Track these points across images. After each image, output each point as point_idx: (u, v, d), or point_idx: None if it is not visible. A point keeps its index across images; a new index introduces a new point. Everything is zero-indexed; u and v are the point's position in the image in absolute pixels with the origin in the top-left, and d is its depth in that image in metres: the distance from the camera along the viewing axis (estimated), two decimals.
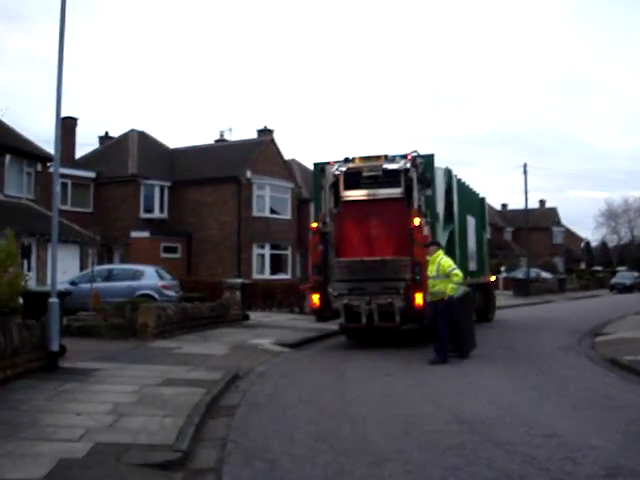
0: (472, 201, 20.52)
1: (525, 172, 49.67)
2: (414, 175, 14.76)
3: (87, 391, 9.08)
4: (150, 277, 22.08)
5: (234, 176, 35.25)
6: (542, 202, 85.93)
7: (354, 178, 15.72)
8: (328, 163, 15.56)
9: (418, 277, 14.09)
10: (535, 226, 68.55)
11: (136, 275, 22.21)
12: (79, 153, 39.50)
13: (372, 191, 15.44)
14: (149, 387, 9.48)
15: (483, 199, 22.81)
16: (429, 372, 11.73)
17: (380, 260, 14.67)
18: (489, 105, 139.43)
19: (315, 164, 16.12)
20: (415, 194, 14.70)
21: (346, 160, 15.39)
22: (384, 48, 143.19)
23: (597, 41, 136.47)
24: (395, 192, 15.25)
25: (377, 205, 15.40)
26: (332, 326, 17.76)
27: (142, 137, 39.22)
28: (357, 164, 15.40)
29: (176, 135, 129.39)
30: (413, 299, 13.94)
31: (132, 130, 39.59)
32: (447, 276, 12.59)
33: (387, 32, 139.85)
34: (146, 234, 34.29)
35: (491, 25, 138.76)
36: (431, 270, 12.78)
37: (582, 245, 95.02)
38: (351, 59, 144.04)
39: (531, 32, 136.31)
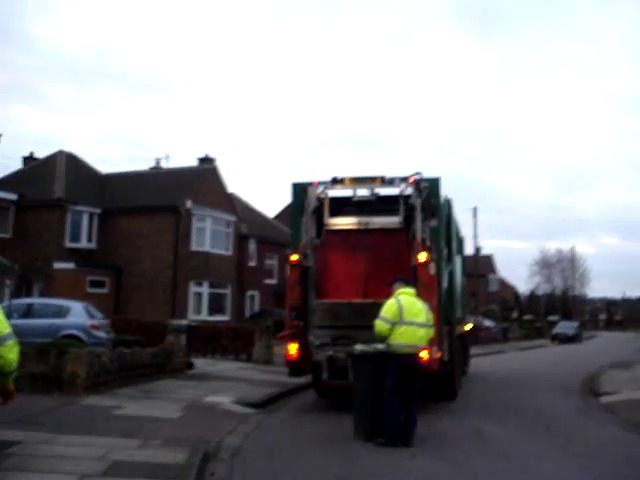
0: (459, 238, 18.11)
1: (475, 216, 48.08)
2: (417, 202, 12.17)
3: None
4: (77, 315, 18.76)
5: (173, 205, 32.21)
6: (477, 249, 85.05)
7: (342, 203, 13.08)
8: (311, 184, 12.85)
9: None
10: (472, 273, 67.18)
11: (61, 312, 18.86)
12: (0, 172, 35.81)
13: (364, 219, 12.79)
14: None
15: (463, 237, 20.45)
16: (459, 449, 9.02)
17: (372, 303, 11.81)
18: (407, 152, 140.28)
19: (294, 184, 13.39)
20: (418, 224, 12.09)
21: (334, 181, 12.70)
22: (318, 79, 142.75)
23: (512, 95, 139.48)
24: (393, 221, 12.64)
25: (369, 236, 12.73)
26: (293, 379, 14.92)
27: (71, 159, 35.80)
28: (347, 185, 12.73)
29: (108, 163, 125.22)
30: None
31: (60, 151, 36.15)
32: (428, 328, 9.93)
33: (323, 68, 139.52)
34: (71, 265, 30.80)
35: (411, 74, 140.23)
36: (417, 314, 9.73)
37: (513, 293, 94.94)
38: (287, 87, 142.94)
39: (448, 84, 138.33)
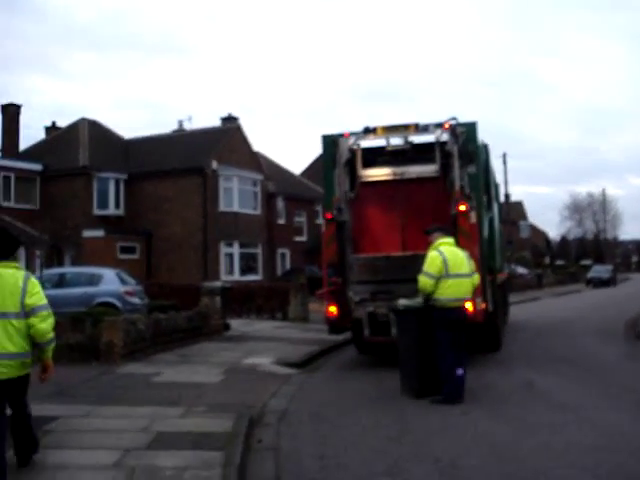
0: (495, 184, 17.54)
1: (504, 162, 47.20)
2: (454, 148, 11.64)
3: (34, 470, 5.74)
4: (110, 282, 18.59)
5: (198, 167, 31.81)
6: (507, 196, 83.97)
7: (376, 153, 12.60)
8: (342, 135, 12.35)
9: None
10: (504, 220, 66.39)
11: (94, 280, 18.69)
12: (23, 144, 35.59)
13: (399, 169, 12.30)
14: (135, 454, 6.19)
15: (498, 184, 19.83)
16: (512, 403, 8.67)
17: (412, 256, 11.44)
18: (431, 102, 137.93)
19: (324, 136, 12.88)
20: (456, 172, 11.58)
21: (366, 131, 12.18)
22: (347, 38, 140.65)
23: (534, 36, 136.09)
24: (429, 170, 12.14)
25: (406, 187, 12.26)
26: (332, 336, 14.51)
27: (93, 126, 35.49)
28: (380, 135, 12.22)
29: (130, 129, 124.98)
30: None
31: (82, 119, 35.84)
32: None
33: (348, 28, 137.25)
34: (100, 233, 30.70)
35: (431, 20, 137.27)
36: (461, 265, 9.22)
37: (544, 239, 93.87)
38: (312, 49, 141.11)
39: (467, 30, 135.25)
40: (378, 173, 12.49)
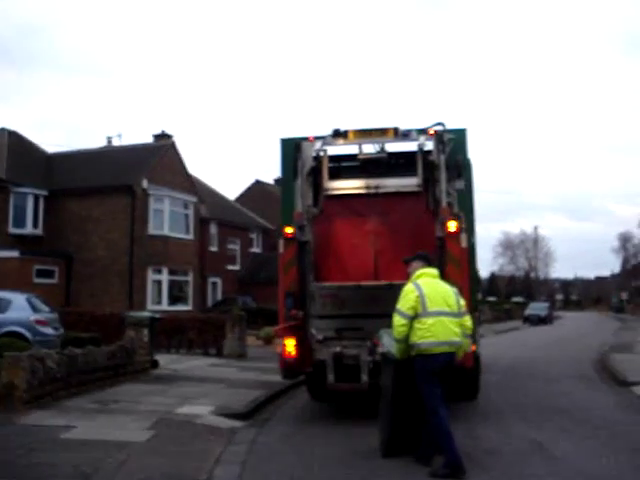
0: None
1: None
2: (440, 158, 9.73)
3: None
4: (19, 308, 15.94)
5: (127, 185, 29.23)
6: None
7: (346, 162, 10.63)
8: (306, 139, 10.31)
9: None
10: None
11: (0, 305, 16.03)
12: None
13: (374, 181, 10.35)
14: None
15: None
16: (528, 475, 6.71)
17: (386, 285, 9.45)
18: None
19: (284, 140, 10.88)
20: (443, 186, 9.66)
21: (335, 134, 10.19)
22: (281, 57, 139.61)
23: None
24: (410, 183, 10.20)
25: (381, 202, 10.31)
26: (275, 378, 12.47)
27: (14, 137, 32.46)
28: (351, 140, 10.23)
29: (55, 143, 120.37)
30: None
31: (2, 129, 32.76)
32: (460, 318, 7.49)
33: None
34: (15, 253, 27.63)
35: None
36: (444, 302, 7.33)
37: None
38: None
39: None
40: (348, 185, 10.48)
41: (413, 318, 7.19)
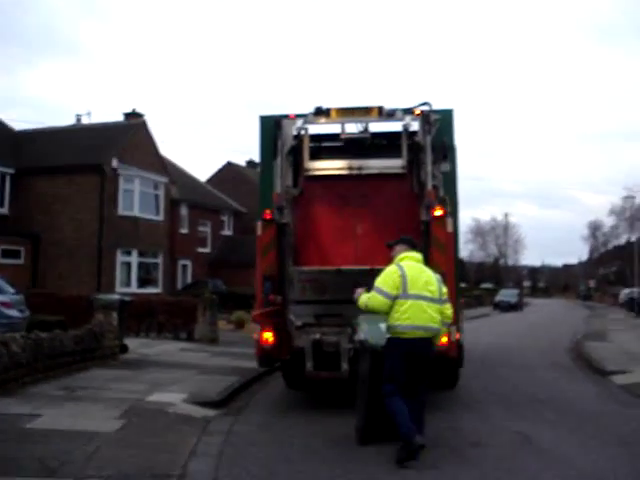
0: None
1: None
2: (426, 139, 9.38)
3: None
4: None
5: (97, 164, 28.46)
6: None
7: (327, 142, 10.23)
8: (286, 116, 9.89)
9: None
10: None
11: None
12: None
13: (356, 162, 9.93)
14: None
15: None
16: (520, 470, 6.41)
17: (368, 270, 9.05)
18: None
19: (263, 117, 10.42)
20: (428, 168, 9.32)
21: (317, 112, 9.76)
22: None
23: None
24: (394, 165, 9.81)
25: (364, 184, 9.91)
26: (249, 363, 12.55)
27: None
28: (334, 119, 9.81)
29: (23, 119, 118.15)
30: None
31: None
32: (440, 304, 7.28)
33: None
34: None
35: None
36: (425, 286, 7.13)
37: None
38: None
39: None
40: (329, 166, 10.07)
41: (394, 298, 6.99)
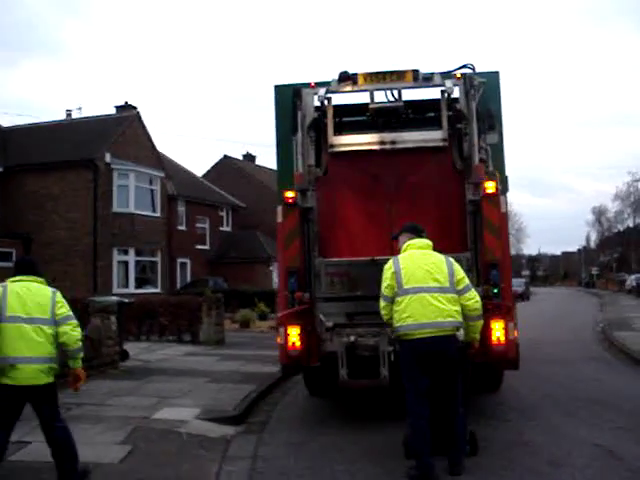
0: None
1: None
2: (471, 106, 8.06)
3: None
4: None
5: (89, 159, 27.19)
6: None
7: (355, 113, 8.89)
8: (307, 85, 8.54)
9: (495, 290, 7.54)
10: None
11: None
12: None
13: (389, 135, 8.52)
14: None
15: None
16: None
17: None
18: None
19: (279, 87, 9.12)
20: (474, 140, 8.00)
21: (341, 79, 8.40)
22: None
23: None
24: (433, 137, 8.40)
25: (398, 160, 8.53)
26: (264, 368, 11.95)
27: None
28: (361, 85, 8.46)
29: (13, 117, 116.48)
30: (486, 331, 7.09)
31: None
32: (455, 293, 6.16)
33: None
34: None
35: None
36: (427, 275, 6.11)
37: None
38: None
39: None
40: (358, 141, 8.66)
41: (393, 299, 6.19)
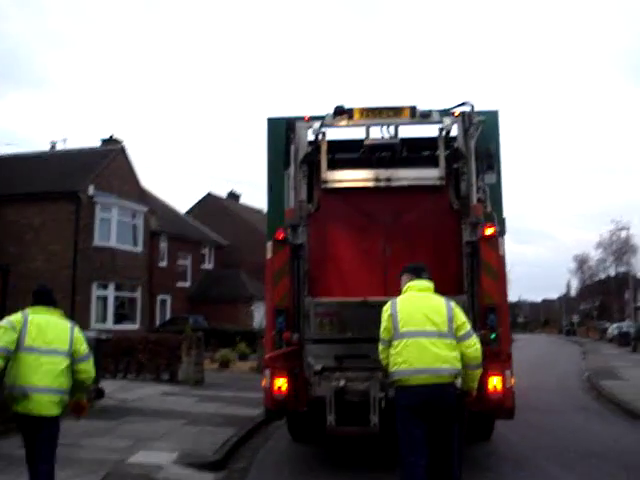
0: None
1: None
2: (470, 145, 7.84)
3: None
4: None
5: (72, 191, 26.77)
6: None
7: (350, 149, 8.63)
8: (301, 119, 8.29)
9: (493, 336, 7.24)
10: None
11: None
12: None
13: (384, 172, 8.26)
14: None
15: None
16: None
17: None
18: None
19: (271, 120, 8.87)
20: (472, 179, 7.78)
21: (337, 113, 8.16)
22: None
23: None
24: (430, 175, 8.17)
25: (393, 199, 8.28)
26: (246, 411, 11.43)
27: None
28: (357, 121, 8.22)
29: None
30: (483, 378, 6.74)
31: None
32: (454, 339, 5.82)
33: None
34: None
35: None
36: (425, 319, 5.74)
37: None
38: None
39: None
40: (352, 177, 8.40)
41: (389, 342, 5.86)
